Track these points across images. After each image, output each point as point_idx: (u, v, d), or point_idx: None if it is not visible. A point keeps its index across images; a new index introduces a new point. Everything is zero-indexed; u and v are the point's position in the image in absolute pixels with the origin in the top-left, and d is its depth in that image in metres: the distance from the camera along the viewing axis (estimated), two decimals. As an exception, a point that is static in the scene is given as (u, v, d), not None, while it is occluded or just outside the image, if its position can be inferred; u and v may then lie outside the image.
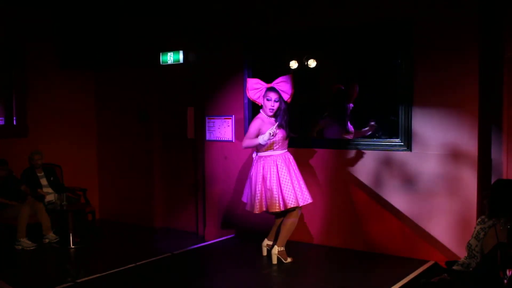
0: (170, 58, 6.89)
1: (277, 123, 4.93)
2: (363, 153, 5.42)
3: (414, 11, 5.04)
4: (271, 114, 4.99)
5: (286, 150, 5.09)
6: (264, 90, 5.04)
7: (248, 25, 6.12)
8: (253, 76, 6.08)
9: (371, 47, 5.68)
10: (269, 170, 4.93)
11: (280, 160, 4.96)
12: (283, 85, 5.01)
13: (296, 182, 4.95)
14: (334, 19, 5.52)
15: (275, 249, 4.98)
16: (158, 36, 7.05)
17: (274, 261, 4.96)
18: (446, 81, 4.93)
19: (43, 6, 7.07)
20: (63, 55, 7.23)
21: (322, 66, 6.03)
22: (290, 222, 4.98)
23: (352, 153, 5.50)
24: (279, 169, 4.92)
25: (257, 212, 4.96)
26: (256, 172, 4.99)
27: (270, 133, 4.77)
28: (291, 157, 5.09)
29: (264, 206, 4.92)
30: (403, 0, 5.11)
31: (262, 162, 4.99)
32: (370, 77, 5.99)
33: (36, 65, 7.09)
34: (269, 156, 4.98)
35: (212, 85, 6.47)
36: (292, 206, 4.86)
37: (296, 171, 5.02)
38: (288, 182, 4.89)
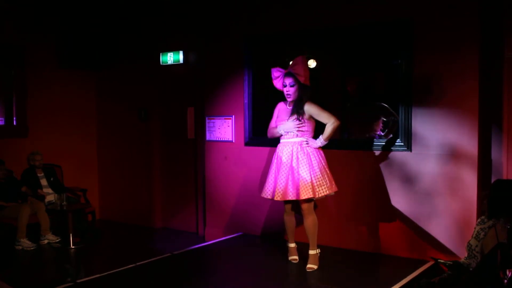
0: (170, 58, 6.90)
1: (293, 113, 4.77)
2: (362, 153, 5.41)
3: (414, 11, 5.04)
4: (289, 100, 4.82)
5: (300, 138, 4.76)
6: (282, 77, 4.85)
7: (248, 25, 6.12)
8: (253, 76, 6.09)
9: (371, 47, 5.68)
10: (273, 157, 4.92)
11: (283, 149, 4.81)
12: (297, 67, 4.74)
13: (292, 174, 4.72)
14: (334, 19, 5.52)
15: (314, 252, 4.88)
16: (158, 36, 7.05)
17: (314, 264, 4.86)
18: (446, 81, 4.92)
19: (43, 5, 7.07)
20: (63, 55, 7.23)
21: (322, 66, 6.02)
22: (310, 222, 4.85)
23: (352, 153, 5.49)
24: (277, 158, 4.85)
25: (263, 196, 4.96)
26: (272, 157, 4.98)
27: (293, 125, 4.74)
28: (304, 147, 4.76)
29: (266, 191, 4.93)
30: (403, 0, 5.11)
31: (278, 147, 4.93)
32: (370, 77, 5.99)
33: (36, 65, 7.09)
34: (280, 143, 4.91)
35: (212, 85, 6.47)
36: (267, 197, 4.86)
37: (300, 163, 4.72)
38: (277, 173, 4.80)
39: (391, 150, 5.24)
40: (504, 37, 4.96)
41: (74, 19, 7.22)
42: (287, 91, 4.78)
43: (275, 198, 4.79)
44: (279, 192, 4.76)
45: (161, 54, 6.96)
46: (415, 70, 5.06)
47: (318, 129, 4.87)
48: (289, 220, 5.04)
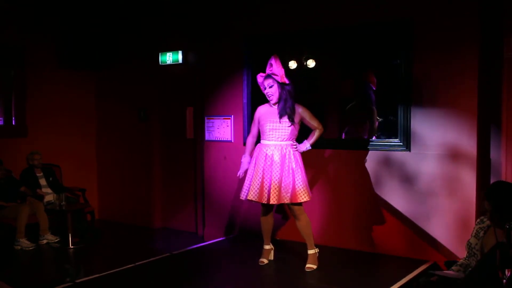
0: (169, 58, 6.88)
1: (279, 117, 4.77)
2: (362, 153, 5.42)
3: (414, 11, 5.04)
4: (272, 101, 4.81)
5: (289, 141, 4.77)
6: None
7: (248, 25, 6.12)
8: (252, 76, 6.08)
9: (370, 47, 5.68)
10: (258, 158, 4.83)
11: (273, 151, 4.75)
12: (272, 68, 4.78)
13: (286, 177, 4.68)
14: (334, 19, 5.52)
15: (312, 251, 4.86)
16: (158, 36, 7.05)
17: (313, 262, 4.86)
18: (446, 81, 4.93)
19: (43, 5, 7.07)
20: (63, 55, 7.23)
21: (321, 66, 6.02)
22: (303, 223, 4.81)
23: (351, 153, 5.50)
24: (265, 159, 4.76)
25: (241, 198, 4.91)
26: (252, 159, 4.91)
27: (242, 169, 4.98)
28: (290, 151, 4.75)
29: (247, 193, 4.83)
30: (403, 0, 5.11)
31: (258, 149, 4.87)
32: (368, 78, 5.99)
33: (35, 65, 7.09)
34: (264, 145, 4.85)
35: (211, 85, 6.47)
36: (253, 199, 4.76)
37: (295, 167, 4.72)
38: (267, 175, 4.73)
39: (391, 150, 5.25)
40: (503, 37, 4.96)
41: (74, 19, 7.22)
42: (267, 93, 4.82)
43: (271, 202, 4.69)
44: (275, 195, 4.67)
45: (160, 54, 6.95)
46: (414, 70, 5.07)
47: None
48: (266, 221, 5.00)
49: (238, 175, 5.07)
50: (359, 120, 5.86)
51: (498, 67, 5.00)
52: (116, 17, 7.41)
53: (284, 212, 5.83)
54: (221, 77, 6.37)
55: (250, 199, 4.81)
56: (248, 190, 4.82)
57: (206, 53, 6.51)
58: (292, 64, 5.82)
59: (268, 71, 4.81)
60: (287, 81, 4.77)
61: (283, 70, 4.79)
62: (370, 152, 5.36)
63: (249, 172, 4.90)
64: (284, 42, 5.92)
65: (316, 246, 4.90)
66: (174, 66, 6.92)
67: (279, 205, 5.31)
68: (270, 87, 4.78)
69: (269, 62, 4.81)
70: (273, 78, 4.76)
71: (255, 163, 4.85)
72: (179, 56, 6.79)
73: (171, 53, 6.85)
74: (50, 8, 7.13)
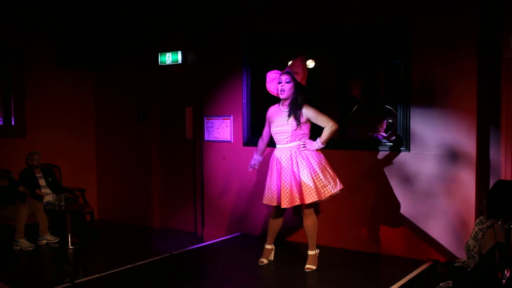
0: (168, 58, 6.89)
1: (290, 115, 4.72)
2: (361, 153, 5.41)
3: (412, 11, 5.04)
4: (283, 96, 4.72)
5: (296, 142, 4.72)
6: (279, 77, 4.78)
7: (247, 25, 6.12)
8: (251, 76, 6.09)
9: (369, 47, 5.68)
10: (271, 163, 4.85)
11: (281, 155, 4.75)
12: (295, 66, 4.70)
13: (295, 179, 4.66)
14: (332, 19, 5.52)
15: (313, 252, 4.86)
16: (157, 37, 7.05)
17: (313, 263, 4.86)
18: (444, 81, 4.93)
19: (42, 5, 7.07)
20: (62, 55, 7.22)
21: (320, 66, 6.02)
22: (310, 223, 4.83)
23: (351, 153, 5.49)
24: (276, 163, 4.78)
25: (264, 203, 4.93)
26: (269, 163, 4.91)
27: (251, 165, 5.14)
28: (302, 151, 4.70)
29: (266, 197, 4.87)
30: (402, 0, 5.11)
31: (272, 154, 4.86)
32: (369, 77, 5.99)
33: (34, 65, 7.08)
34: (276, 149, 4.85)
35: (210, 85, 6.47)
36: (265, 203, 4.83)
37: (300, 168, 4.66)
38: (278, 179, 4.73)
39: (390, 150, 5.24)
40: (502, 37, 4.97)
41: (73, 19, 7.21)
42: (282, 87, 4.70)
43: (283, 206, 4.68)
44: (286, 199, 4.66)
45: (159, 54, 6.96)
46: (413, 70, 5.07)
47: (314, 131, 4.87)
48: (276, 222, 4.99)
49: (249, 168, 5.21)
50: (370, 120, 5.80)
51: (497, 67, 5.01)
52: (115, 17, 7.40)
53: (286, 212, 5.82)
54: (221, 77, 6.37)
55: (264, 203, 4.86)
56: (265, 196, 4.85)
57: (206, 53, 6.51)
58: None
59: (288, 68, 4.74)
60: (304, 84, 4.71)
61: (306, 72, 4.72)
62: (369, 152, 5.36)
63: (267, 177, 4.91)
64: (283, 42, 5.92)
65: (316, 246, 4.90)
66: (173, 66, 6.93)
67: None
68: (287, 82, 4.69)
69: (294, 60, 4.75)
70: (291, 75, 4.68)
71: (270, 167, 4.87)
72: (179, 56, 6.80)
73: (170, 53, 6.85)
74: (49, 8, 7.13)
